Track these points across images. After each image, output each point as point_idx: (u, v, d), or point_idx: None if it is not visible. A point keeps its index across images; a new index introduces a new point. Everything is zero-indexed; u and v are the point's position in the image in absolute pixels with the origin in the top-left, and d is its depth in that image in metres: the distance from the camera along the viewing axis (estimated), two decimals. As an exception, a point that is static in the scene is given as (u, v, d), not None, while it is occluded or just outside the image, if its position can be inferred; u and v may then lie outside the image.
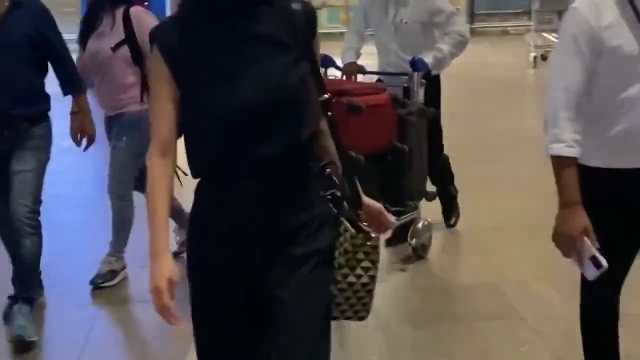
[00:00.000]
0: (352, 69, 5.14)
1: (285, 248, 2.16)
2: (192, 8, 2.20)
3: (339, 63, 5.18)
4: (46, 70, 4.07)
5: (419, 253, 4.93)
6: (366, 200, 2.32)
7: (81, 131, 4.26)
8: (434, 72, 4.94)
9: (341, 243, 2.22)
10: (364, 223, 2.27)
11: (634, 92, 2.63)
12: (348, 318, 2.29)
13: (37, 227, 3.93)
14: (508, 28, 16.65)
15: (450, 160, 5.41)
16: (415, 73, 4.83)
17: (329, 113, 2.25)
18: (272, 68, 2.14)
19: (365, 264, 2.24)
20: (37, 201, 3.93)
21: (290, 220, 2.17)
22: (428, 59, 4.85)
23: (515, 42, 14.58)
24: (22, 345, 3.87)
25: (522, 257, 4.88)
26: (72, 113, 4.27)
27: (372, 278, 2.26)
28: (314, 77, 2.21)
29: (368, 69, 5.27)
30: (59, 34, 4.05)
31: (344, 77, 5.13)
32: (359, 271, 2.24)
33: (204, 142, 2.17)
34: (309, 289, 2.18)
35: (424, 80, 4.82)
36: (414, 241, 4.95)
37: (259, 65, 2.13)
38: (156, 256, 2.12)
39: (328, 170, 2.26)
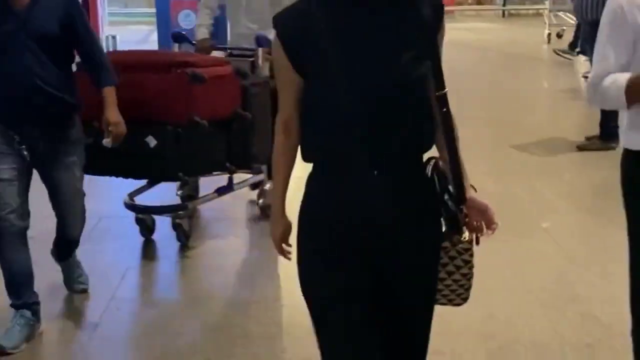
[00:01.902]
0: (204, 45, 5.46)
1: (401, 236, 2.22)
2: None
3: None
4: (73, 61, 3.97)
5: (267, 212, 5.22)
6: (471, 195, 2.27)
7: (108, 121, 3.97)
8: None
9: (448, 247, 2.28)
10: (466, 219, 2.26)
11: None
12: (451, 301, 2.38)
13: (85, 216, 4.14)
14: (540, 10, 17.18)
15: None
16: (259, 49, 5.20)
17: (444, 109, 2.19)
18: (397, 62, 2.12)
19: (458, 262, 2.29)
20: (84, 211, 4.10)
21: (410, 218, 2.21)
22: (272, 35, 5.18)
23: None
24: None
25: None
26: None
27: (464, 275, 2.32)
28: (435, 72, 2.17)
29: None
30: (87, 22, 3.91)
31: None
32: (451, 268, 2.30)
33: (325, 125, 2.17)
34: (427, 289, 2.31)
35: (269, 55, 5.01)
36: (261, 201, 5.49)
37: (383, 58, 2.12)
38: (274, 215, 2.38)
39: (439, 166, 2.26)
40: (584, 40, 7.86)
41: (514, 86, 10.31)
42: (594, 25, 6.99)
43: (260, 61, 5.23)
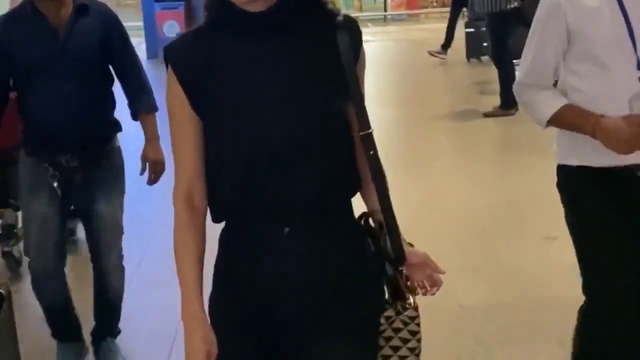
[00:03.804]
0: None
1: (324, 316, 1.88)
2: (214, 21, 1.84)
3: None
4: (112, 83, 3.52)
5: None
6: (409, 252, 1.95)
7: (145, 158, 3.55)
8: None
9: (386, 319, 1.94)
10: (407, 282, 1.96)
11: None
12: None
13: (122, 263, 3.62)
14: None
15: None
16: None
17: (371, 152, 1.87)
18: (310, 97, 1.81)
19: (404, 334, 1.95)
20: (123, 233, 3.59)
21: (331, 282, 1.88)
22: None
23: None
24: None
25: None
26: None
27: (412, 350, 1.96)
28: (356, 107, 1.86)
29: None
30: (131, 46, 3.51)
31: None
32: (397, 342, 1.96)
33: (228, 181, 1.84)
34: None
35: None
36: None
37: (294, 93, 1.81)
38: (191, 325, 1.84)
39: (368, 222, 1.98)
40: (490, 32, 8.93)
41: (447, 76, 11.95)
42: (498, 17, 8.58)
43: None
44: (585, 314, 2.85)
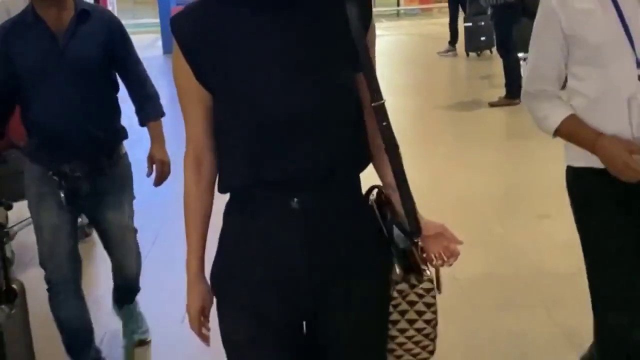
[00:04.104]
0: None
1: (333, 289, 1.88)
2: None
3: None
4: (117, 90, 3.48)
5: (85, 230, 5.24)
6: (425, 223, 1.91)
7: (151, 159, 3.57)
8: None
9: (399, 292, 1.93)
10: (423, 254, 1.93)
11: None
12: (415, 356, 2.00)
13: (138, 256, 3.70)
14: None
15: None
16: None
17: (384, 123, 1.84)
18: (319, 68, 1.79)
19: (419, 307, 1.93)
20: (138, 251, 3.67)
21: (339, 254, 1.86)
22: None
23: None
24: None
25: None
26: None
27: (428, 322, 1.95)
28: (367, 77, 1.83)
29: None
30: (133, 50, 3.46)
31: None
32: (412, 315, 1.94)
33: (237, 151, 1.83)
34: (362, 343, 1.94)
35: None
36: (79, 220, 4.84)
37: (302, 63, 1.78)
38: (190, 283, 1.95)
39: (376, 195, 1.96)
40: (495, 25, 9.21)
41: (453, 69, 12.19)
42: (502, 9, 8.81)
43: None
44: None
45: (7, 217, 4.88)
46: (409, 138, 7.43)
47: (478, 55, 12.47)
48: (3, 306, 2.97)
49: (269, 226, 1.85)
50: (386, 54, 12.59)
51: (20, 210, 4.68)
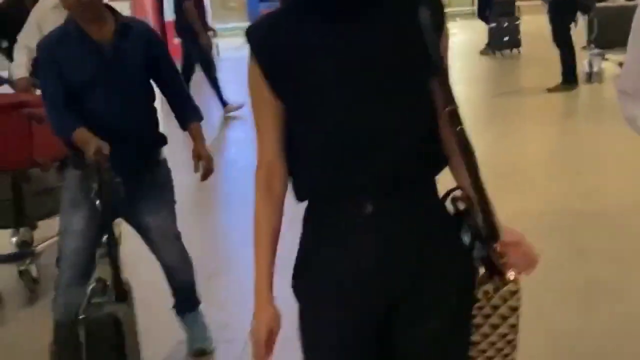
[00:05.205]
0: (24, 84, 5.18)
1: (414, 297, 1.85)
2: (294, 3, 1.85)
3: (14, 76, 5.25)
4: (154, 98, 3.56)
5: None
6: (505, 230, 1.84)
7: (198, 156, 3.66)
8: None
9: (484, 294, 1.83)
10: (502, 260, 1.84)
11: None
12: None
13: (187, 256, 3.71)
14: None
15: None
16: None
17: (458, 127, 1.81)
18: (396, 75, 1.80)
19: (504, 311, 1.84)
20: (179, 237, 3.66)
21: (418, 259, 1.84)
22: None
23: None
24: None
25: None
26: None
27: (512, 327, 1.86)
28: (441, 83, 1.82)
29: None
30: (172, 61, 3.60)
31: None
32: (496, 320, 1.85)
33: (313, 160, 1.84)
34: (445, 351, 1.89)
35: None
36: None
37: (379, 71, 1.78)
38: (260, 306, 1.88)
39: (457, 199, 1.90)
40: (550, 20, 10.04)
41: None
42: (557, 5, 9.80)
43: None
44: None
45: (32, 237, 4.92)
46: (475, 119, 8.57)
47: (502, 54, 13.42)
48: (122, 304, 3.19)
49: (345, 232, 1.84)
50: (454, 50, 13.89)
51: (45, 229, 4.80)
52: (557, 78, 9.97)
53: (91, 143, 3.14)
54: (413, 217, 1.84)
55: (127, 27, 3.38)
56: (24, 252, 4.79)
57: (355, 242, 1.83)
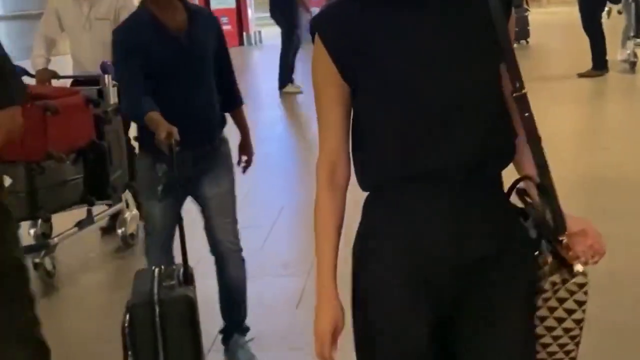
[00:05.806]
0: (44, 76, 5.15)
1: (479, 285, 1.82)
2: None
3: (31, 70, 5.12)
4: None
5: (128, 241, 5.25)
6: (571, 220, 1.81)
7: (245, 151, 3.71)
8: None
9: (552, 284, 1.81)
10: (569, 252, 1.81)
11: None
12: None
13: (240, 250, 3.65)
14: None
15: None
16: (106, 75, 4.97)
17: (526, 113, 1.80)
18: (467, 59, 1.78)
19: (570, 304, 1.82)
20: (237, 222, 3.62)
21: (489, 248, 1.81)
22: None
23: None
24: None
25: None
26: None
27: (578, 322, 1.83)
28: (510, 67, 1.81)
29: None
30: (226, 43, 3.67)
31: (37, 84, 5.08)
32: (561, 313, 1.82)
33: (385, 147, 1.80)
34: (511, 346, 1.83)
35: (116, 82, 4.62)
36: (121, 230, 5.26)
37: (451, 55, 1.76)
38: (323, 302, 1.85)
39: (522, 187, 1.87)
40: (581, 9, 10.49)
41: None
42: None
43: (108, 88, 5.07)
44: None
45: (51, 227, 5.09)
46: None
47: (518, 43, 13.45)
48: (189, 287, 3.23)
49: (418, 219, 1.80)
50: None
51: (60, 222, 4.89)
52: (571, 67, 10.56)
53: (162, 126, 3.18)
54: (485, 207, 1.81)
55: (196, 14, 3.49)
56: (40, 244, 4.86)
57: (428, 230, 1.80)
